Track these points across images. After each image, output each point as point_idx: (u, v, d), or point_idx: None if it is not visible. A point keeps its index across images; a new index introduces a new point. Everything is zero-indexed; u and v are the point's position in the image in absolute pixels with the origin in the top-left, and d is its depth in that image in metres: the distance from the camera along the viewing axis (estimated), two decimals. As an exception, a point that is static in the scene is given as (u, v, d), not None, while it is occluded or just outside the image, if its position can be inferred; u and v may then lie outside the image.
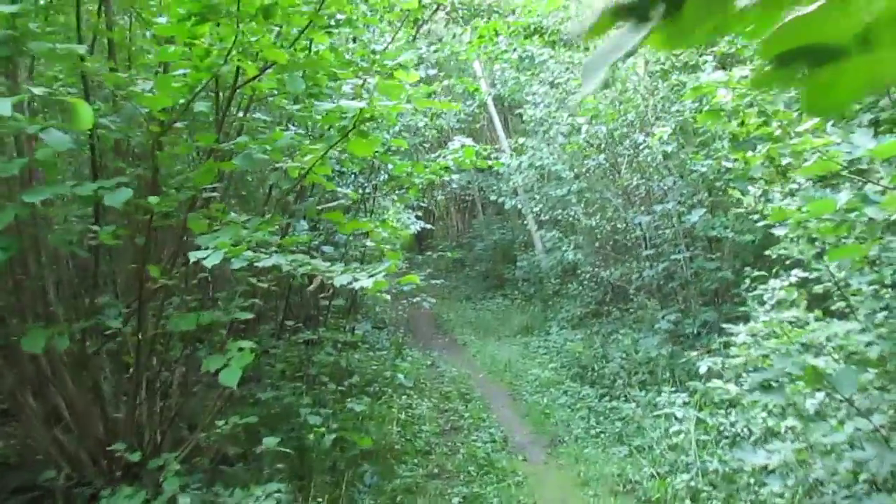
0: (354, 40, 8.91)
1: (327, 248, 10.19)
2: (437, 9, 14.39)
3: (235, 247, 4.18)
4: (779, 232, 6.64)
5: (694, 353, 9.26)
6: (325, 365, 9.33)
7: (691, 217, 10.04)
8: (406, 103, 5.53)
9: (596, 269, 13.94)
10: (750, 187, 7.91)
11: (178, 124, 5.08)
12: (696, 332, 10.45)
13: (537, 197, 15.19)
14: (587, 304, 15.64)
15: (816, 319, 6.67)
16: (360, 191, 11.37)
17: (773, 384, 5.13)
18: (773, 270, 8.36)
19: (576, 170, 13.36)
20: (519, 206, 16.55)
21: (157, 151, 4.98)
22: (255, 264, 4.38)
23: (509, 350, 15.45)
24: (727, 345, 10.76)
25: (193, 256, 4.11)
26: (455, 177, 10.98)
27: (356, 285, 4.21)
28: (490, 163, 8.82)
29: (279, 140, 5.29)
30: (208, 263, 4.02)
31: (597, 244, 13.99)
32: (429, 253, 15.36)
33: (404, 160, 9.99)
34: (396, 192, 11.88)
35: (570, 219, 14.29)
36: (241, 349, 4.82)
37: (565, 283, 17.22)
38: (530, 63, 14.86)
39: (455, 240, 27.20)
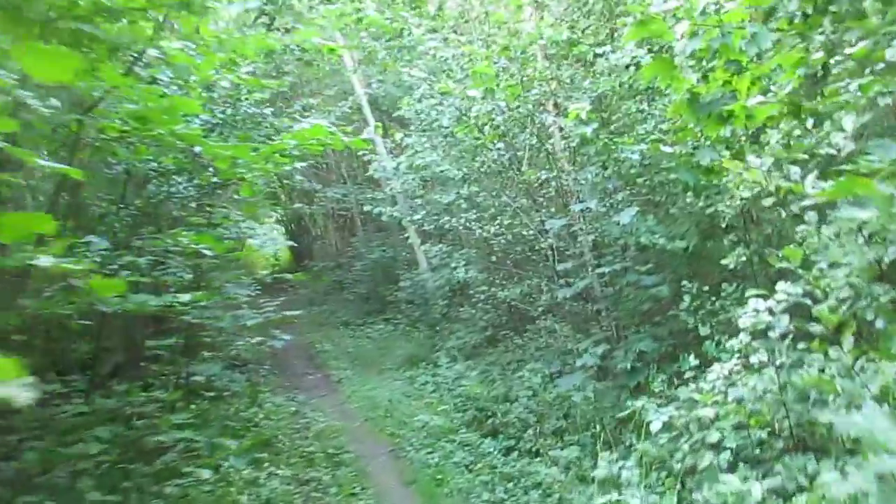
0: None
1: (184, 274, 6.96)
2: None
3: None
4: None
5: (639, 403, 6.45)
6: (96, 453, 6.05)
7: (621, 218, 7.28)
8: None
9: (492, 289, 11.06)
10: (755, 158, 5.16)
11: None
12: (629, 367, 7.67)
13: (420, 202, 12.20)
14: (482, 330, 12.76)
15: None
16: (184, 194, 8.18)
17: None
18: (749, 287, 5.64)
19: (465, 169, 10.47)
20: (396, 215, 13.37)
21: None
22: None
23: (391, 387, 12.41)
24: (672, 383, 8.05)
25: None
26: (300, 165, 7.83)
27: None
28: (346, 141, 5.82)
29: None
30: None
31: (493, 258, 11.11)
32: (276, 276, 11.91)
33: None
34: (236, 195, 8.77)
35: (460, 229, 11.36)
36: None
37: (455, 305, 14.29)
38: (409, 51, 11.91)
39: (334, 259, 23.92)
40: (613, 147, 7.44)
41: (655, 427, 6.05)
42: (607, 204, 7.94)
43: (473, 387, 10.16)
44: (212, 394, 10.77)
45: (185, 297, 5.14)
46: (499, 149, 8.91)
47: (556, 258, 9.04)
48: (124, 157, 6.54)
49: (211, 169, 7.82)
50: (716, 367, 5.97)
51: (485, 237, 10.54)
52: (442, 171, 11.24)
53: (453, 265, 11.87)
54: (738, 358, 5.73)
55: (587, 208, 7.54)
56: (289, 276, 8.86)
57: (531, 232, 9.34)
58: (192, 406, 10.39)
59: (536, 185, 9.24)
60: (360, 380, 13.29)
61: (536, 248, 9.69)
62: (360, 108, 16.83)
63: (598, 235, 7.87)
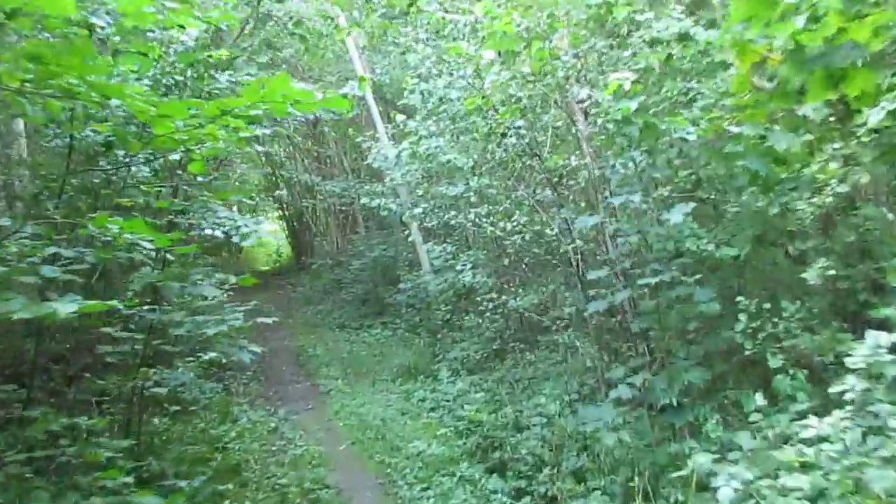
0: None
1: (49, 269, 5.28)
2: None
3: None
4: None
5: (702, 459, 4.83)
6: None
7: (671, 216, 5.64)
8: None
9: (502, 297, 9.41)
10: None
11: None
12: (675, 402, 6.02)
13: (420, 193, 10.51)
14: (488, 342, 11.13)
15: None
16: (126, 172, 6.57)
17: None
18: None
19: (475, 156, 8.81)
20: (392, 207, 11.50)
21: None
22: None
23: (385, 403, 10.79)
24: (726, 423, 6.41)
25: None
26: (264, 131, 6.12)
27: None
28: (320, 98, 4.19)
29: None
30: None
31: (505, 261, 9.45)
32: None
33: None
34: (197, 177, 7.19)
35: (468, 226, 9.67)
36: None
37: (459, 311, 12.64)
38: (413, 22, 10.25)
39: (334, 257, 22.24)
40: (663, 127, 5.80)
41: (724, 496, 4.40)
42: (649, 199, 6.29)
43: (478, 412, 8.52)
44: (176, 408, 9.17)
45: (71, 306, 3.53)
46: (518, 129, 7.25)
47: (581, 264, 7.39)
48: (34, 119, 4.93)
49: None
50: (812, 419, 4.33)
51: (496, 236, 8.89)
52: (448, 162, 9.56)
53: (458, 267, 10.22)
54: (850, 410, 4.09)
55: (628, 202, 5.90)
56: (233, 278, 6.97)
57: (553, 231, 7.67)
58: (155, 420, 8.82)
59: (561, 175, 7.59)
60: (352, 391, 11.68)
61: (558, 250, 8.04)
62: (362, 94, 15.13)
63: (641, 238, 6.21)
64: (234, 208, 21.77)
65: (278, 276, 26.96)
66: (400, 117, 9.98)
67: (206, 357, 7.04)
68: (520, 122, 7.15)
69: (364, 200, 12.30)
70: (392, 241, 17.53)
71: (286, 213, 28.04)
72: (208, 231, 6.69)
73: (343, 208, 21.65)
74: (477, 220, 9.06)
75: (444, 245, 11.41)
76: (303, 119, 16.12)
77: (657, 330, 6.51)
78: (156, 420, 8.77)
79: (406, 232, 13.45)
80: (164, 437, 8.52)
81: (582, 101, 6.53)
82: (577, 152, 7.04)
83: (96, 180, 6.68)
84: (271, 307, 20.73)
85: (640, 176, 6.14)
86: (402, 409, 10.37)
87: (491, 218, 8.81)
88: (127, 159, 6.06)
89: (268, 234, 9.11)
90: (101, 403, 7.99)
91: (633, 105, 5.75)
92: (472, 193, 9.01)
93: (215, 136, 4.59)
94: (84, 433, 5.93)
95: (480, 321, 11.02)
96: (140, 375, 6.79)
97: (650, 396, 6.22)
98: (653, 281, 5.84)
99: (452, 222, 9.80)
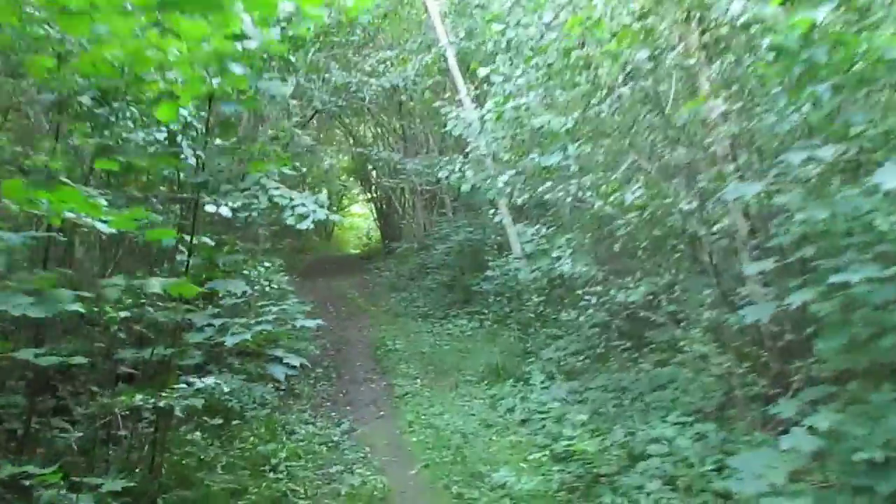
0: None
1: None
2: None
3: None
4: None
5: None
6: None
7: (883, 179, 3.58)
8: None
9: (610, 291, 7.40)
10: None
11: None
12: (882, 458, 3.96)
13: (505, 160, 8.52)
14: (588, 340, 9.16)
15: None
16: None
17: None
18: None
19: (575, 115, 6.79)
20: (469, 174, 9.44)
21: None
22: None
23: (467, 411, 9.02)
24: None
25: None
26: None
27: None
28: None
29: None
30: None
31: (616, 246, 7.39)
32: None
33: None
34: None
35: (568, 201, 7.62)
36: None
37: (553, 302, 10.68)
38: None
39: (420, 241, 20.56)
40: (866, 47, 3.72)
41: None
42: (847, 158, 4.21)
43: (583, 442, 6.58)
44: (217, 421, 7.61)
45: None
46: (638, 63, 5.19)
47: (718, 251, 5.35)
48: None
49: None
50: None
51: (604, 214, 6.86)
52: (541, 127, 7.59)
53: (555, 254, 8.24)
54: None
55: (812, 161, 3.86)
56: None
57: (688, 206, 5.58)
58: (191, 437, 7.27)
59: (693, 132, 5.54)
60: (430, 395, 9.93)
61: (683, 232, 5.99)
62: (444, 58, 13.26)
63: (831, 215, 4.13)
64: (324, 191, 20.48)
65: (366, 259, 25.64)
66: (482, 70, 8.06)
67: (203, 384, 5.32)
68: (642, 54, 5.11)
69: (441, 175, 10.42)
70: (479, 222, 15.63)
71: (374, 195, 26.77)
72: (210, 208, 4.99)
73: (429, 188, 19.90)
74: (580, 191, 7.01)
75: (538, 227, 9.44)
76: (379, 88, 14.57)
77: (842, 346, 4.43)
78: (192, 437, 7.24)
79: (493, 212, 11.55)
80: (200, 458, 6.95)
81: (734, 18, 4.48)
82: (719, 96, 4.97)
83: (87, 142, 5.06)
84: (355, 293, 19.61)
85: (832, 121, 4.07)
86: (486, 421, 8.55)
87: (598, 190, 6.77)
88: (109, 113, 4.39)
89: (325, 216, 7.39)
90: (126, 419, 6.51)
91: (821, 15, 3.71)
92: (570, 162, 7.03)
93: (164, 54, 2.84)
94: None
95: (580, 316, 9.04)
96: (126, 400, 5.14)
97: (837, 445, 4.18)
98: (855, 278, 3.77)
99: (547, 197, 7.80)
